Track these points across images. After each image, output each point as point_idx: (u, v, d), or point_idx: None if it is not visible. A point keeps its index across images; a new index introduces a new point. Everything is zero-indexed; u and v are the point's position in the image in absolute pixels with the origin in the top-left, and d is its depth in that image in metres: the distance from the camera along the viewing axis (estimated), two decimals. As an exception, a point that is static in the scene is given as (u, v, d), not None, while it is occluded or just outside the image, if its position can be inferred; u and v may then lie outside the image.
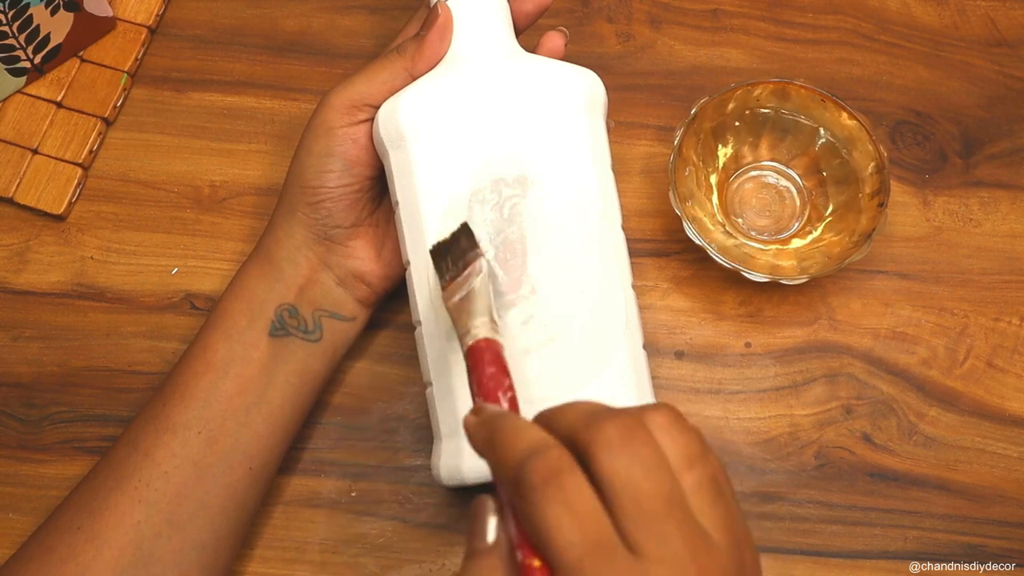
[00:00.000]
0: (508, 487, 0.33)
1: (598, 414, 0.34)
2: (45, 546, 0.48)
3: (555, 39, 0.52)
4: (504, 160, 0.49)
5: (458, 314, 0.43)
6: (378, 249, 0.53)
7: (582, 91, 0.50)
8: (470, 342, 0.41)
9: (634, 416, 0.34)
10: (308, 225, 0.52)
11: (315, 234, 0.52)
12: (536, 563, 0.32)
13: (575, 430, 0.34)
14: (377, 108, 0.50)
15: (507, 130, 0.49)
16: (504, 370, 0.40)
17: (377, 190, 0.53)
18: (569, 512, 0.32)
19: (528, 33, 0.54)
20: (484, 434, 0.35)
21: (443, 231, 0.47)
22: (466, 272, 0.44)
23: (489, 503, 0.35)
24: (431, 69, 0.50)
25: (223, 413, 0.50)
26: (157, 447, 0.49)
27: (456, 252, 0.45)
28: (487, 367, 0.40)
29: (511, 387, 0.39)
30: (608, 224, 0.50)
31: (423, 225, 0.48)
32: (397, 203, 0.50)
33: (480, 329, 0.41)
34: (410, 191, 0.49)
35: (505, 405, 0.39)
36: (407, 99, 0.49)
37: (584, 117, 0.50)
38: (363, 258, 0.53)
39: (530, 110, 0.49)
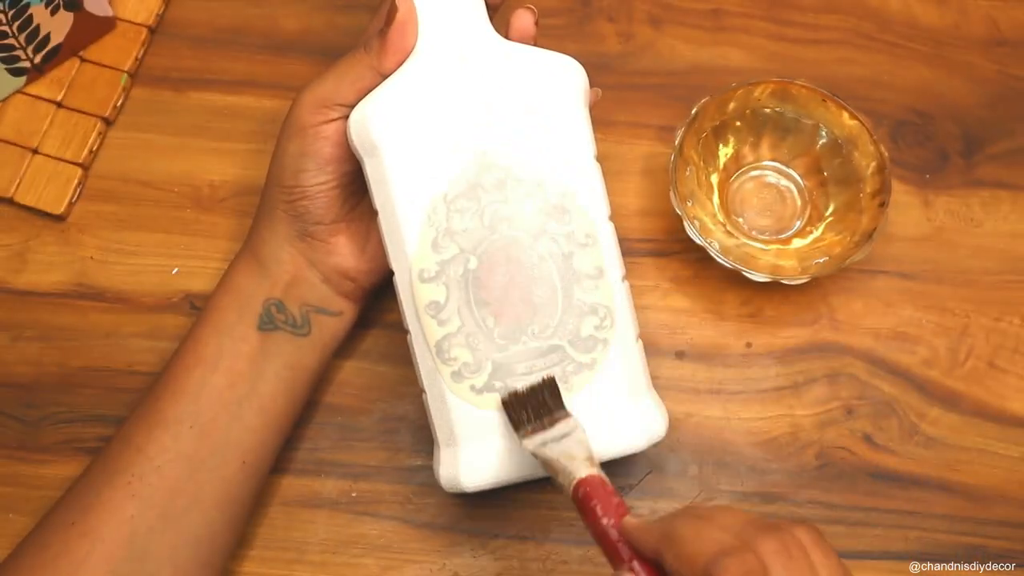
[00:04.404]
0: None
1: (754, 526, 0.38)
2: (40, 542, 0.48)
3: (525, 18, 0.50)
4: (484, 163, 0.47)
5: (555, 465, 0.44)
6: (361, 244, 0.53)
7: (566, 85, 0.48)
8: (584, 475, 0.43)
9: (787, 530, 0.38)
10: (288, 223, 0.51)
11: (296, 232, 0.52)
12: None
13: (737, 535, 0.37)
14: (348, 106, 0.49)
15: (486, 132, 0.47)
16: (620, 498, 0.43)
17: (358, 184, 0.52)
18: None
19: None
20: (657, 532, 0.39)
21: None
22: (555, 429, 0.46)
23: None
24: (400, 64, 0.48)
25: (214, 407, 0.50)
26: (149, 442, 0.49)
27: (536, 404, 0.47)
28: (611, 496, 0.42)
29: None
30: (597, 219, 0.49)
31: (402, 235, 0.47)
32: (376, 211, 0.49)
33: (585, 466, 0.44)
34: (387, 201, 0.48)
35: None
36: (377, 106, 0.47)
37: (569, 112, 0.48)
38: (346, 255, 0.52)
39: (511, 108, 0.47)
